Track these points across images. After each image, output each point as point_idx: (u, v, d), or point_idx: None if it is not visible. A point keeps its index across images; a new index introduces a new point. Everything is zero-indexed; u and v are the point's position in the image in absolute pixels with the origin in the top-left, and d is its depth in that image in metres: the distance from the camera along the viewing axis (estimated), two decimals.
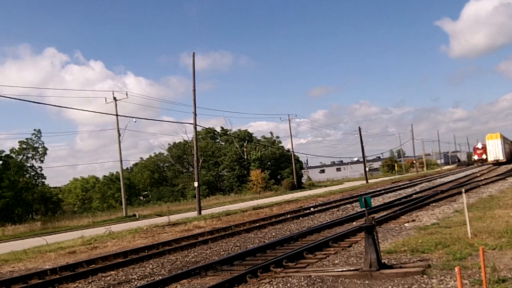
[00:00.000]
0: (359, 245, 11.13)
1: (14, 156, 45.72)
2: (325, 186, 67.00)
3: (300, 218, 20.30)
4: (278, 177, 71.93)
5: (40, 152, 46.99)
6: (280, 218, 20.64)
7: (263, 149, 73.29)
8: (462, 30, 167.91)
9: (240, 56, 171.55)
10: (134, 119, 39.20)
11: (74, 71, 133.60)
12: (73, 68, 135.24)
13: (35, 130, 49.67)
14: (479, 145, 78.97)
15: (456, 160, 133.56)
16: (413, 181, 44.25)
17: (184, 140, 72.86)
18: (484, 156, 75.19)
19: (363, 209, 9.36)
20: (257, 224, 18.63)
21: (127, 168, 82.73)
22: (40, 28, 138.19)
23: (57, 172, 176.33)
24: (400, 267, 8.15)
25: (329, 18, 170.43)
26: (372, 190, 35.32)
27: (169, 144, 77.89)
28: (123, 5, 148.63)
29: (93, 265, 12.31)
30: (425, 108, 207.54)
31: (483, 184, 28.10)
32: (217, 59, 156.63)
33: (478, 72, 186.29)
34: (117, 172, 65.34)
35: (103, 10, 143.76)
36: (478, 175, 42.67)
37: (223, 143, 77.30)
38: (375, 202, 23.52)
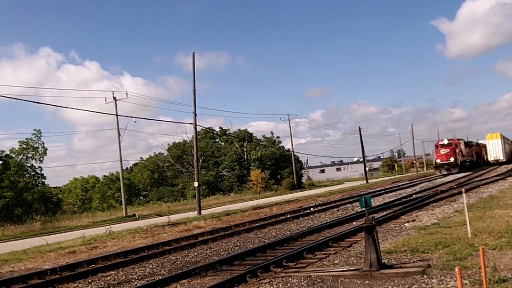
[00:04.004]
0: (359, 245, 11.13)
1: (14, 156, 45.72)
2: (325, 186, 67.00)
3: (300, 218, 20.29)
4: (278, 177, 71.95)
5: (40, 152, 46.99)
6: (280, 218, 20.63)
7: (263, 149, 73.31)
8: (458, 30, 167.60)
9: (236, 56, 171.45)
10: (134, 119, 39.38)
11: (70, 71, 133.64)
12: (68, 68, 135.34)
13: (35, 130, 49.67)
14: (445, 141, 51.31)
15: None
16: (413, 181, 44.24)
17: (184, 140, 73.00)
18: (452, 159, 48.63)
19: (363, 209, 9.37)
20: (257, 224, 18.63)
21: (127, 168, 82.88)
22: (34, 27, 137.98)
23: (56, 172, 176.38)
24: (400, 267, 8.15)
25: (325, 18, 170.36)
26: (372, 190, 35.31)
27: (168, 144, 78.05)
28: (118, 5, 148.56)
29: (93, 265, 12.31)
30: (424, 108, 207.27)
31: (483, 184, 28.08)
32: (213, 59, 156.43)
33: (475, 72, 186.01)
34: (116, 172, 65.46)
35: (97, 9, 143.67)
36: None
37: (222, 143, 77.34)
38: (375, 202, 23.52)
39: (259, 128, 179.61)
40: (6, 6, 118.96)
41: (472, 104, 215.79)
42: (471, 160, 56.09)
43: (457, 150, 49.87)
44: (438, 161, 50.63)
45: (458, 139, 54.66)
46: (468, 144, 57.61)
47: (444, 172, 49.10)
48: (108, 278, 10.75)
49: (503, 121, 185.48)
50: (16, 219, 41.33)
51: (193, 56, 32.42)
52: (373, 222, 8.18)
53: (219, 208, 34.14)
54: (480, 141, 68.91)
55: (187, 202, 53.55)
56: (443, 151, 49.98)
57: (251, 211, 26.41)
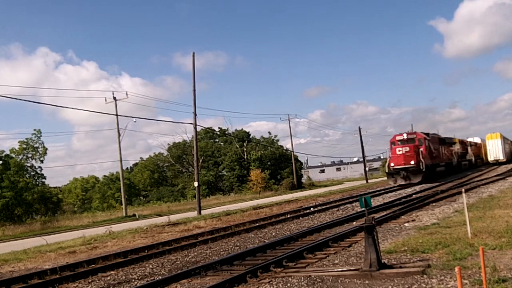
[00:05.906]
0: (359, 245, 11.14)
1: (14, 156, 45.72)
2: (325, 186, 66.96)
3: (300, 218, 20.29)
4: (278, 177, 71.92)
5: (40, 152, 46.99)
6: (280, 218, 20.63)
7: (263, 149, 73.31)
8: (457, 30, 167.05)
9: (235, 56, 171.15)
10: (134, 119, 39.42)
11: (68, 71, 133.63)
12: (66, 68, 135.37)
13: (35, 130, 49.66)
14: (404, 136, 35.26)
15: None
16: None
17: (184, 140, 73.02)
18: (412, 162, 32.75)
19: (363, 209, 9.37)
20: (257, 224, 18.63)
21: (127, 168, 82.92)
22: (31, 27, 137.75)
23: (56, 172, 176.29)
24: (400, 267, 8.16)
25: (324, 18, 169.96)
26: (372, 190, 35.28)
27: (168, 144, 78.09)
28: (115, 5, 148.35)
29: (93, 265, 12.32)
30: (423, 108, 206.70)
31: (483, 184, 28.08)
32: (212, 59, 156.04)
33: (474, 72, 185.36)
34: (116, 172, 65.50)
35: (95, 9, 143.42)
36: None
37: (222, 143, 77.37)
38: (375, 202, 23.52)
39: (258, 128, 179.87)
40: (3, 6, 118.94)
41: (471, 104, 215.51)
42: (448, 163, 41.30)
43: (421, 149, 33.80)
44: (392, 165, 33.98)
45: (427, 133, 37.12)
46: (445, 142, 42.27)
47: (400, 182, 33.38)
48: (108, 278, 10.76)
49: (503, 121, 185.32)
50: (16, 219, 41.35)
51: (193, 56, 32.47)
52: (373, 222, 8.19)
53: (219, 208, 34.14)
54: (469, 139, 59.78)
55: (187, 202, 53.57)
56: (400, 150, 33.63)
57: (251, 211, 26.41)
